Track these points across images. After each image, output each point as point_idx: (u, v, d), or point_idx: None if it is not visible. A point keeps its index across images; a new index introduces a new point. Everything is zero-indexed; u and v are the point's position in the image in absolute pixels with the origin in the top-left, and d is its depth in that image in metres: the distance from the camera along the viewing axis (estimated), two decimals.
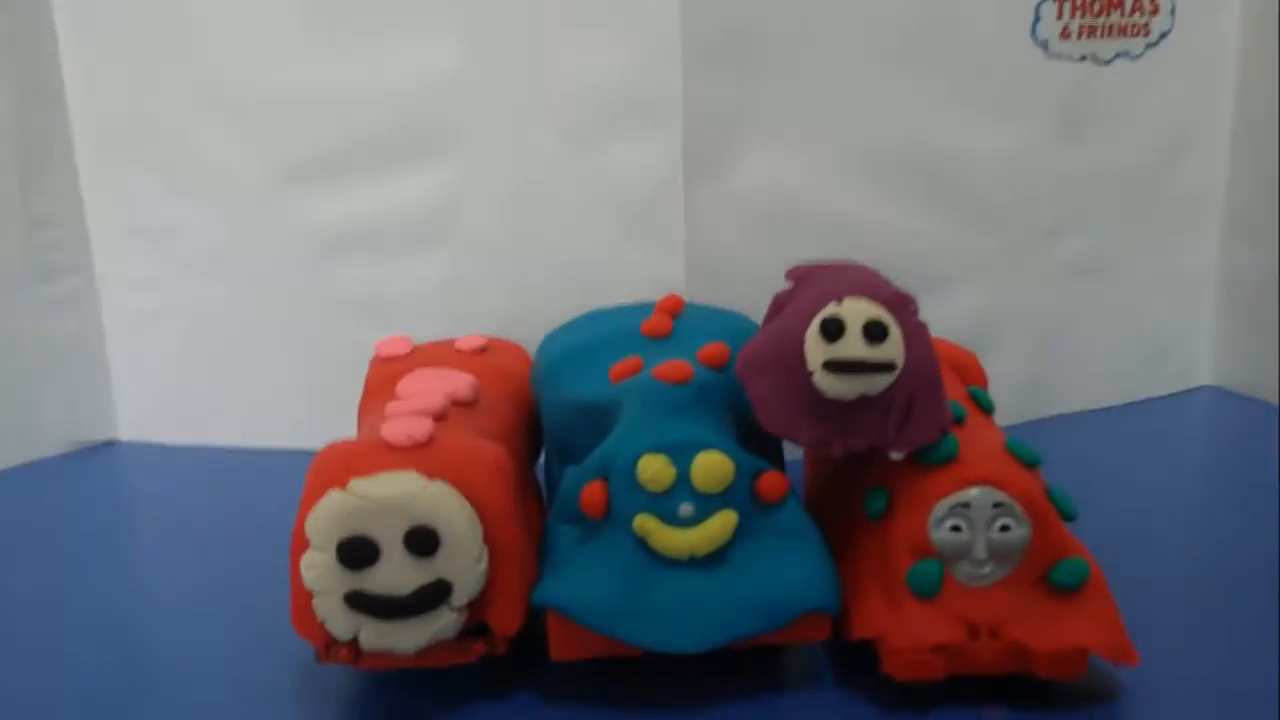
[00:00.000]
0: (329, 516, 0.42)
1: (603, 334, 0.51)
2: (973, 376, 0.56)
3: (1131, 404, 0.81)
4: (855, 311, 0.44)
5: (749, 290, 0.52)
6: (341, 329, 0.72)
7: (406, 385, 0.52)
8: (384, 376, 0.56)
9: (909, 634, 0.43)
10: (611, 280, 0.63)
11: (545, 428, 0.52)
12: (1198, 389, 0.83)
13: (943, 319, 0.56)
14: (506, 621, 0.44)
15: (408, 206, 0.69)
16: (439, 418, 0.47)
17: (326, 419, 0.68)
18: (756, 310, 0.50)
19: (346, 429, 0.50)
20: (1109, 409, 0.80)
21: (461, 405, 0.51)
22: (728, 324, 0.51)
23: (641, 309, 0.53)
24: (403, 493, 0.42)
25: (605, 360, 0.49)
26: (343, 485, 0.42)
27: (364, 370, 0.58)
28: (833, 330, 0.43)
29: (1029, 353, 0.76)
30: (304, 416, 0.73)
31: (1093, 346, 0.78)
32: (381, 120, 0.68)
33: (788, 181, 0.66)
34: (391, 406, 0.48)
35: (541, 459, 0.57)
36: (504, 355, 0.59)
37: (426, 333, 0.61)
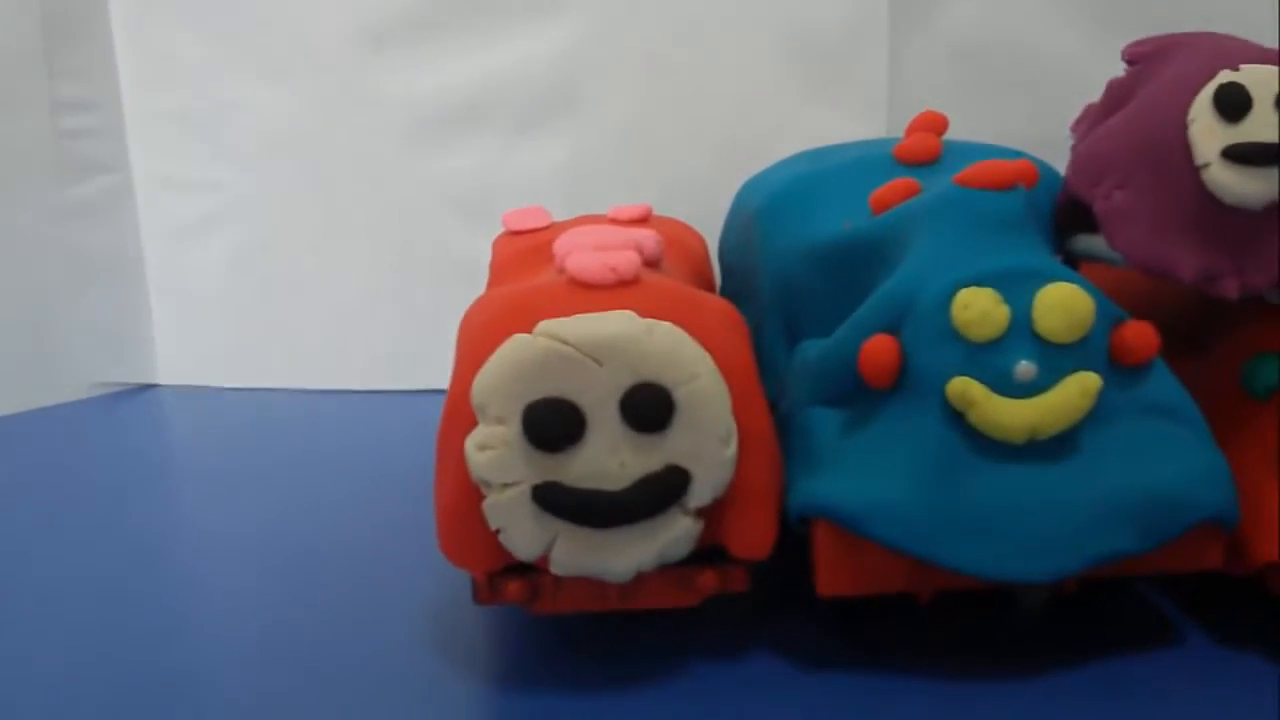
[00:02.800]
0: (513, 370, 0.28)
1: (841, 162, 0.38)
2: None
3: None
4: (1262, 79, 0.30)
5: None
6: (439, 231, 0.58)
7: (568, 240, 0.38)
8: (519, 254, 0.42)
9: None
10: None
11: (761, 296, 0.38)
12: None
13: None
14: (756, 540, 0.30)
15: (522, 71, 0.56)
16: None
17: (420, 350, 0.55)
18: None
19: (449, 363, 0.32)
20: None
21: (648, 264, 0.37)
22: (1006, 152, 0.37)
23: (876, 141, 0.39)
24: (618, 334, 0.28)
25: (856, 189, 0.35)
26: (528, 329, 0.28)
27: (468, 287, 0.43)
28: (1235, 103, 0.30)
29: None
30: (392, 348, 0.59)
31: None
32: None
33: (1003, 21, 0.52)
34: (563, 251, 0.34)
35: None
36: (671, 227, 0.45)
37: None
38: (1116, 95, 0.33)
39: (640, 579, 0.30)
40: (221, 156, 0.60)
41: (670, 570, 0.31)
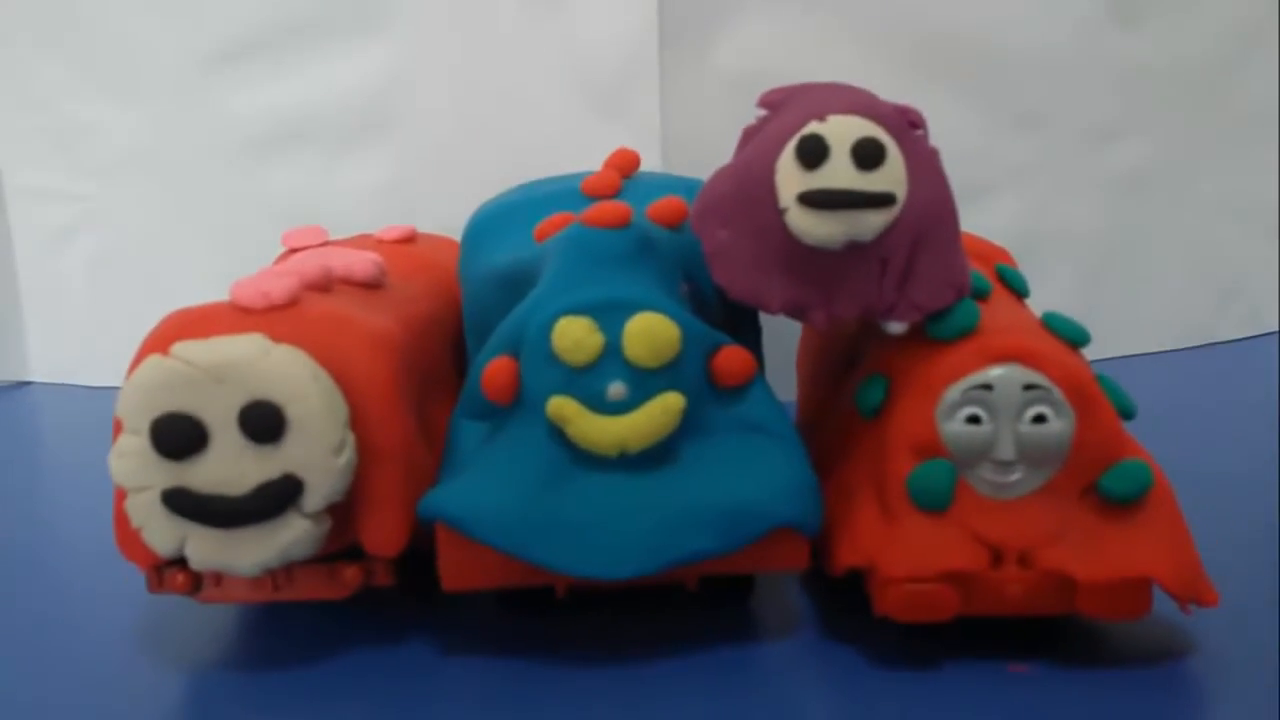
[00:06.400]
0: (142, 388, 0.32)
1: (536, 195, 0.41)
2: None
3: (1194, 349, 0.69)
4: (842, 130, 0.33)
5: None
6: (271, 244, 0.62)
7: (295, 262, 0.42)
8: None
9: (908, 558, 0.33)
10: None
11: (465, 319, 0.42)
12: (1270, 334, 0.71)
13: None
14: (384, 539, 0.34)
15: (341, 93, 0.59)
16: (317, 287, 0.37)
17: None
18: None
19: None
20: (1167, 353, 0.68)
21: (360, 286, 0.41)
22: (691, 185, 0.41)
23: (576, 175, 0.43)
24: (236, 357, 0.32)
25: (534, 221, 0.38)
26: (166, 351, 0.32)
27: None
28: (812, 152, 0.33)
29: (1074, 281, 0.65)
30: None
31: (1149, 276, 0.67)
32: None
33: (778, 55, 0.55)
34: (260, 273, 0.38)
35: None
36: (434, 247, 0.49)
37: None
38: (745, 141, 0.36)
39: (293, 573, 0.34)
40: (81, 170, 0.65)
41: (320, 565, 0.34)
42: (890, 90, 0.60)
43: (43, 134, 0.65)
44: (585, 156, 0.51)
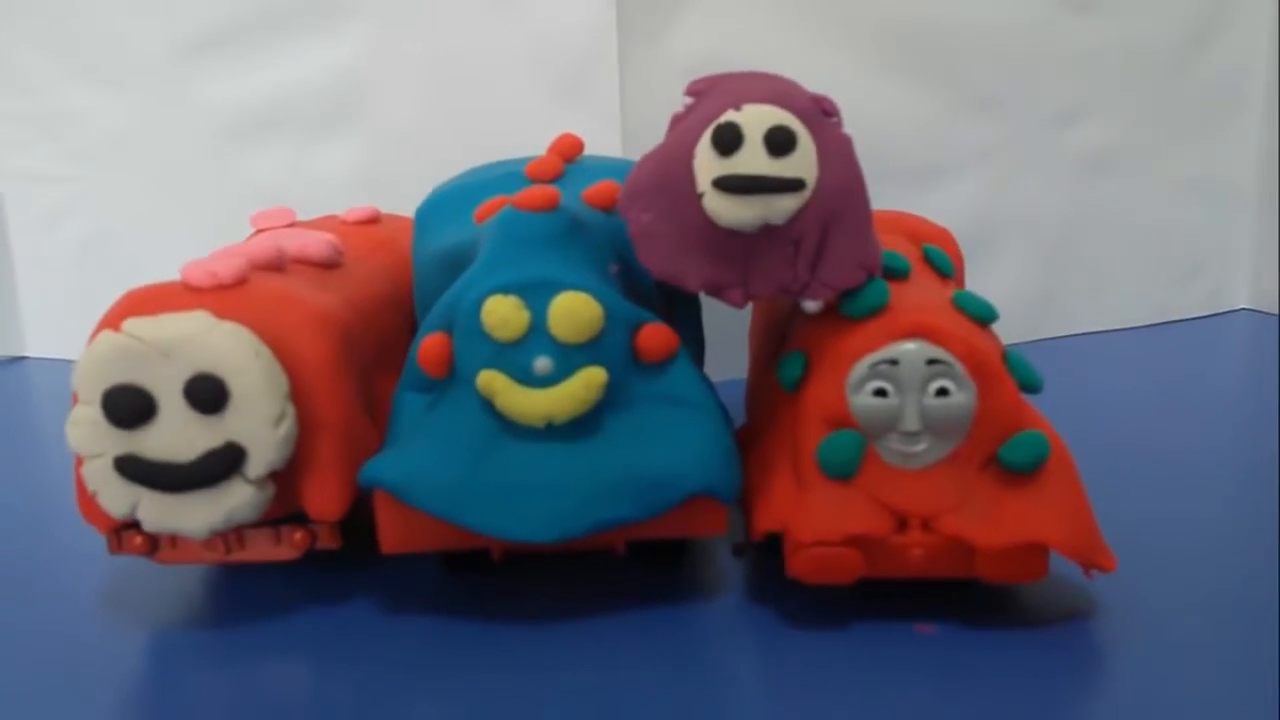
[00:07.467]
0: (94, 361, 0.34)
1: (481, 179, 0.43)
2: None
3: (1154, 326, 0.71)
4: (756, 118, 0.35)
5: None
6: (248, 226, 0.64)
7: (248, 243, 0.44)
8: None
9: (816, 523, 0.34)
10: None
11: (415, 299, 0.43)
12: (1233, 312, 0.73)
13: (931, 218, 0.48)
14: (325, 505, 0.36)
15: (313, 81, 0.61)
16: (268, 267, 0.39)
17: None
18: None
19: None
20: (1127, 330, 0.70)
21: (313, 265, 0.43)
22: (630, 168, 0.42)
23: (522, 159, 0.44)
24: (182, 333, 0.34)
25: (477, 204, 0.40)
26: (118, 327, 0.34)
27: None
28: (727, 140, 0.34)
29: (1036, 261, 0.67)
30: None
31: (1110, 256, 0.68)
32: None
33: (736, 41, 0.57)
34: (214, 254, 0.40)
35: None
36: (395, 228, 0.51)
37: None
38: (673, 127, 0.38)
39: (244, 535, 0.37)
40: (68, 155, 0.67)
41: (269, 528, 0.37)
42: (849, 76, 0.62)
43: (31, 120, 0.67)
44: (547, 142, 0.53)
